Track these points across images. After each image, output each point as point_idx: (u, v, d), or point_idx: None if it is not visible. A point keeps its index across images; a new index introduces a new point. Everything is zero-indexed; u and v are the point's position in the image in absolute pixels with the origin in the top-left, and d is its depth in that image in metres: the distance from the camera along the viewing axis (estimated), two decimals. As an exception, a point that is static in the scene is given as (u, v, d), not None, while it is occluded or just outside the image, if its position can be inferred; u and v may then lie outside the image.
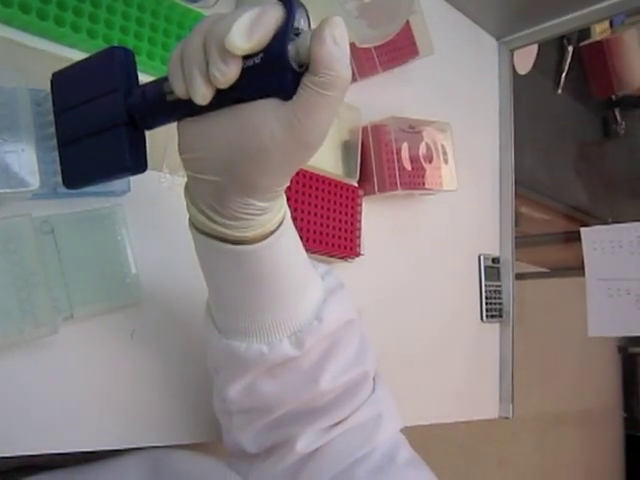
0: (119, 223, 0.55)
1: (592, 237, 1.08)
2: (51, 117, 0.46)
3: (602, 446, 3.43)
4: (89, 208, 0.54)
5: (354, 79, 0.80)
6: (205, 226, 0.41)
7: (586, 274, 1.09)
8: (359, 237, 0.75)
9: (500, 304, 1.09)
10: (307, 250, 0.68)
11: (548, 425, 2.86)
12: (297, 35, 0.34)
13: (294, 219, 0.62)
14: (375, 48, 0.77)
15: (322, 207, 0.69)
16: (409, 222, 0.91)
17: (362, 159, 0.79)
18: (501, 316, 1.09)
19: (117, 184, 0.55)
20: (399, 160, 0.81)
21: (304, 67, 0.34)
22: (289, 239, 0.44)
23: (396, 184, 0.80)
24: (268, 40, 0.33)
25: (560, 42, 1.64)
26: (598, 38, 1.76)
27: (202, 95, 0.34)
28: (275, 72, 0.34)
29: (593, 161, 1.84)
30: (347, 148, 0.78)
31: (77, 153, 0.44)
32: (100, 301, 0.54)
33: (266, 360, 0.45)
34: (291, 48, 0.33)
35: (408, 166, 0.82)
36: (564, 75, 1.63)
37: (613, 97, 1.88)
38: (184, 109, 0.38)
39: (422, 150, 0.85)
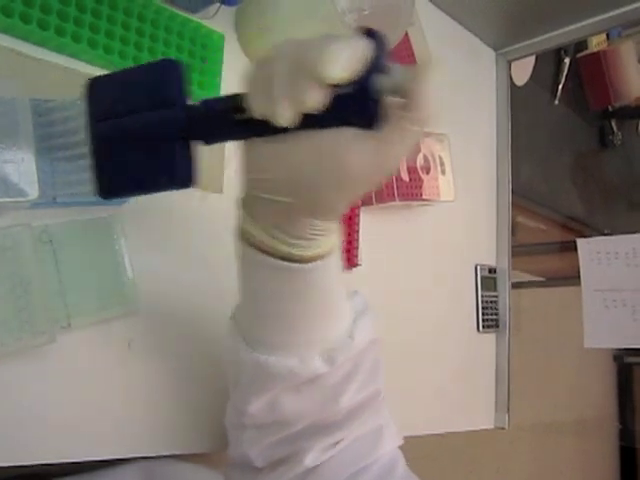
0: (117, 232, 0.55)
1: (588, 248, 1.09)
2: (53, 128, 0.46)
3: (597, 457, 3.42)
4: (87, 217, 0.54)
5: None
6: (264, 244, 0.41)
7: (582, 285, 1.09)
8: (357, 247, 0.75)
9: (496, 314, 1.09)
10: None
11: (544, 435, 2.86)
12: (386, 68, 0.35)
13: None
14: (374, 59, 0.78)
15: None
16: (407, 232, 0.91)
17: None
18: (497, 326, 1.09)
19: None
20: (397, 171, 0.81)
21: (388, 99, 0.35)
22: (337, 260, 0.45)
23: (394, 195, 0.80)
24: (361, 72, 0.34)
25: (557, 54, 1.65)
26: (595, 50, 1.78)
27: (287, 119, 0.34)
28: (364, 103, 0.35)
29: (590, 171, 1.85)
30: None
31: (117, 163, 0.42)
32: (98, 310, 0.54)
33: (295, 375, 0.45)
34: (382, 81, 0.34)
35: (406, 177, 0.83)
36: (561, 86, 1.64)
37: (610, 108, 1.89)
38: (255, 129, 0.38)
39: (420, 161, 0.85)
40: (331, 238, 0.42)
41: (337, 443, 0.48)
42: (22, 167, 0.47)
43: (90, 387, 0.54)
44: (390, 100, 0.35)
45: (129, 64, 0.57)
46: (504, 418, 1.07)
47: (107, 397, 0.55)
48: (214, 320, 0.64)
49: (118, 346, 0.56)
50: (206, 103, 0.40)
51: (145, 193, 0.45)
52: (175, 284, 0.61)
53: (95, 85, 0.44)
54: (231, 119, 0.39)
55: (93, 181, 0.44)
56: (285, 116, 0.34)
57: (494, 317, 1.08)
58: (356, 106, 0.35)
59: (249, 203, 0.42)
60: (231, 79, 0.67)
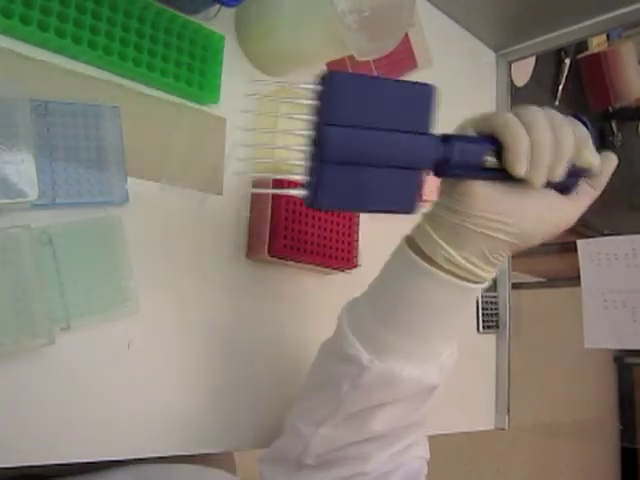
0: (117, 233, 0.55)
1: (588, 249, 1.09)
2: (52, 129, 0.46)
3: (598, 458, 3.42)
4: (87, 218, 0.54)
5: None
6: (460, 266, 0.46)
7: (582, 286, 1.09)
8: (357, 248, 0.75)
9: (496, 315, 1.09)
10: (305, 262, 0.69)
11: (544, 436, 2.86)
12: None
13: (291, 230, 0.63)
14: (374, 61, 0.78)
15: (319, 219, 0.69)
16: (406, 232, 0.90)
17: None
18: (497, 327, 1.09)
19: (116, 194, 0.55)
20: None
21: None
22: None
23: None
24: None
25: (557, 54, 1.65)
26: (595, 51, 1.77)
27: (541, 183, 0.43)
28: (574, 177, 0.45)
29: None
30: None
31: (346, 175, 0.41)
32: (97, 311, 0.54)
33: (417, 386, 0.50)
34: None
35: (406, 178, 0.82)
36: (561, 87, 1.64)
37: (610, 109, 1.89)
38: (496, 176, 0.43)
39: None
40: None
41: (400, 454, 0.53)
42: (22, 168, 0.47)
43: (89, 388, 0.54)
44: (584, 180, 0.47)
45: (129, 65, 0.57)
46: (504, 419, 1.07)
47: (107, 398, 0.55)
48: (214, 319, 0.64)
49: (118, 347, 0.56)
50: (461, 145, 0.43)
51: (364, 211, 0.45)
52: (175, 284, 0.61)
53: (336, 83, 0.40)
54: (481, 165, 0.43)
55: (307, 188, 0.41)
56: (541, 181, 0.43)
57: (494, 318, 1.08)
58: (569, 179, 0.44)
59: (454, 232, 0.45)
60: (231, 80, 0.67)
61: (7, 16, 0.49)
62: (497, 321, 1.09)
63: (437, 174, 0.44)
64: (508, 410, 1.07)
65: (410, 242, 0.49)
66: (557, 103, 1.63)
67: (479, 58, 1.15)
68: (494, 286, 1.09)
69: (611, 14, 1.01)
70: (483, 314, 1.06)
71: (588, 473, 3.30)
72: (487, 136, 0.43)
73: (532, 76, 1.49)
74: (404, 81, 0.41)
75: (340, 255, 0.71)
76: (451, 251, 0.45)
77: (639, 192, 2.05)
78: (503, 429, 1.07)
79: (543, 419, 2.73)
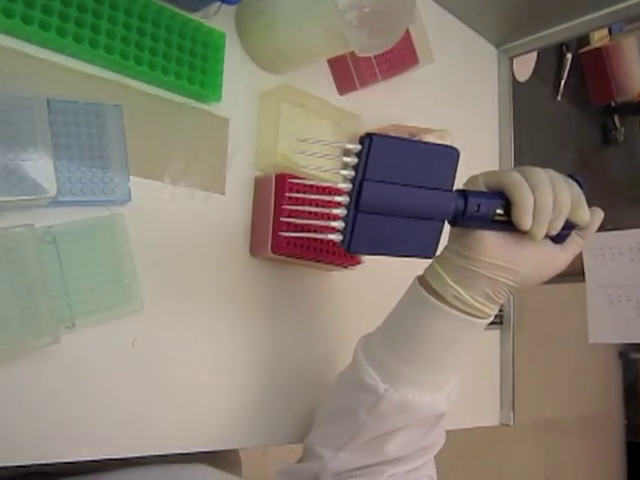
0: (120, 232, 0.55)
1: (592, 244, 1.08)
2: (55, 128, 0.46)
3: (603, 453, 3.41)
4: (90, 217, 0.54)
5: (354, 87, 0.80)
6: (465, 303, 0.52)
7: (586, 281, 1.08)
8: (360, 245, 0.75)
9: (500, 311, 1.08)
10: (309, 259, 0.69)
11: (549, 432, 2.85)
12: None
13: (294, 226, 0.63)
14: (375, 57, 0.77)
15: (322, 215, 0.69)
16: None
17: (362, 167, 0.79)
18: (501, 323, 1.09)
19: (118, 193, 0.55)
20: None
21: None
22: None
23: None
24: None
25: (559, 49, 1.64)
26: (597, 45, 1.77)
27: (542, 236, 0.49)
28: (567, 229, 0.51)
29: (592, 167, 1.85)
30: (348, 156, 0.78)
31: (377, 224, 0.47)
32: (101, 310, 0.54)
33: (429, 412, 0.56)
34: None
35: (408, 174, 0.82)
36: (563, 82, 1.64)
37: (612, 104, 1.88)
38: (503, 228, 0.50)
39: (422, 158, 0.85)
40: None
41: (411, 470, 0.59)
42: (40, 165, 0.48)
43: (94, 387, 0.54)
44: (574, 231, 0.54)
45: (131, 63, 0.57)
46: (509, 415, 1.07)
47: (112, 396, 0.55)
48: (218, 317, 0.64)
49: (122, 345, 0.56)
50: (477, 200, 0.49)
51: (390, 255, 0.49)
52: (178, 282, 0.61)
53: (379, 144, 0.46)
54: (491, 218, 0.49)
55: (343, 233, 0.47)
56: (541, 235, 0.49)
57: (498, 313, 1.08)
58: (563, 232, 0.51)
59: (462, 273, 0.52)
60: (233, 78, 0.67)
61: (9, 16, 0.49)
62: (501, 317, 1.09)
63: (452, 224, 0.51)
64: (513, 406, 1.07)
65: (422, 281, 0.55)
66: (559, 98, 1.63)
67: (480, 54, 1.14)
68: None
69: (612, 8, 1.01)
70: (487, 310, 1.05)
71: (593, 468, 3.29)
72: (497, 192, 0.50)
73: (534, 71, 1.49)
74: (433, 143, 0.49)
75: (343, 252, 0.71)
76: (460, 290, 0.52)
77: (642, 186, 2.05)
78: (508, 425, 1.07)
79: (548, 415, 2.73)
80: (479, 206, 0.49)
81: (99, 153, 0.54)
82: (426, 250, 0.50)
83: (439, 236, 0.50)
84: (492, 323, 1.05)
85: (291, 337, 0.72)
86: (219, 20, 0.65)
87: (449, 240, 0.54)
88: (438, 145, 0.48)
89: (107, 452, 0.55)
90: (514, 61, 1.19)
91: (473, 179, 0.52)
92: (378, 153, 0.46)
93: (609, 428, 3.47)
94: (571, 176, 0.53)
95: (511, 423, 1.07)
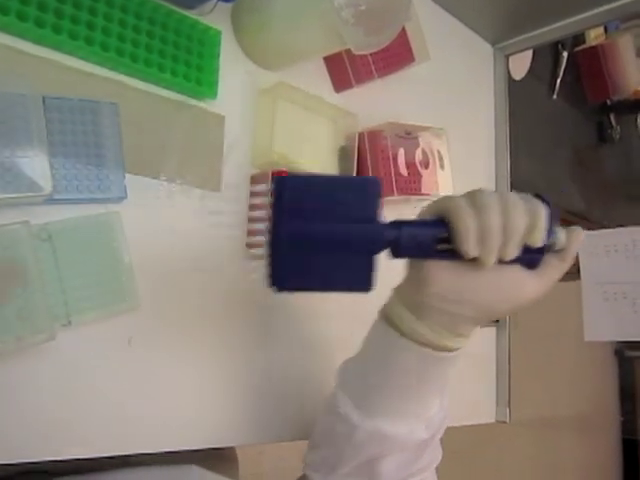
0: (116, 229, 0.55)
1: (588, 241, 1.08)
2: (50, 125, 0.46)
3: (599, 450, 3.42)
4: (86, 214, 0.54)
5: (350, 85, 0.80)
6: (425, 337, 0.49)
7: (582, 278, 1.09)
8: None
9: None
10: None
11: (545, 429, 2.86)
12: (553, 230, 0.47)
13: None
14: (371, 54, 0.77)
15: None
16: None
17: (358, 165, 0.79)
18: (497, 321, 1.09)
19: (114, 190, 0.55)
20: (395, 166, 0.81)
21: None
22: None
23: (392, 190, 0.80)
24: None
25: (555, 47, 1.64)
26: (593, 43, 1.77)
27: (492, 263, 0.45)
28: (537, 253, 0.47)
29: (589, 166, 1.85)
30: (343, 154, 0.78)
31: (302, 260, 0.46)
32: (97, 307, 0.54)
33: (405, 440, 0.54)
34: (550, 241, 0.47)
35: (404, 172, 0.83)
36: (559, 80, 1.64)
37: (608, 102, 1.88)
38: (450, 257, 0.46)
39: (418, 156, 0.85)
40: (471, 334, 0.51)
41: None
42: (35, 162, 0.48)
43: (90, 384, 0.54)
44: (551, 254, 0.49)
45: (126, 61, 0.57)
46: (505, 412, 1.07)
47: (108, 394, 0.55)
48: (214, 316, 0.65)
49: (118, 343, 0.56)
50: (412, 230, 0.46)
51: (324, 292, 0.49)
52: (174, 279, 0.61)
53: (291, 182, 0.45)
54: (433, 247, 0.46)
55: (268, 272, 0.46)
56: (492, 262, 0.45)
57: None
58: (531, 254, 0.47)
59: (417, 305, 0.49)
60: (229, 75, 0.67)
61: (4, 13, 0.49)
62: (497, 315, 1.09)
63: (394, 256, 0.47)
64: (509, 403, 1.07)
65: (383, 313, 0.53)
66: (555, 96, 1.63)
67: (476, 52, 1.15)
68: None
69: (608, 6, 1.01)
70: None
71: (589, 465, 3.30)
72: (440, 219, 0.46)
73: (530, 69, 1.49)
74: (351, 176, 0.47)
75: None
76: (415, 322, 0.49)
77: (638, 184, 2.05)
78: (504, 422, 1.07)
79: (544, 412, 2.73)
80: (415, 236, 0.46)
81: (95, 151, 0.54)
82: (362, 284, 0.47)
83: (373, 269, 0.47)
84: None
85: (287, 335, 0.72)
86: (215, 17, 0.65)
87: (406, 270, 0.51)
88: (356, 177, 0.47)
89: (101, 450, 0.55)
90: (510, 59, 1.20)
91: (424, 207, 0.50)
92: (292, 193, 0.45)
93: (605, 425, 3.48)
94: (538, 196, 0.48)
95: (507, 420, 1.07)
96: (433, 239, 0.46)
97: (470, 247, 0.44)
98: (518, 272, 0.48)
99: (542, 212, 0.46)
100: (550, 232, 0.47)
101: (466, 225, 0.44)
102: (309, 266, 0.46)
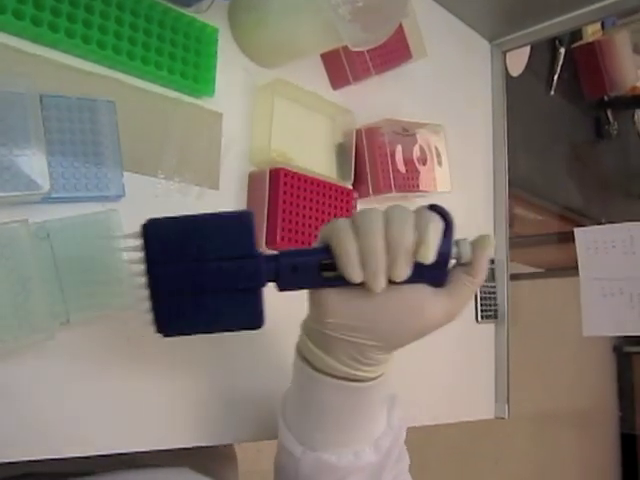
0: (114, 228, 0.55)
1: (586, 237, 1.09)
2: (48, 123, 0.46)
3: (598, 445, 3.44)
4: (84, 213, 0.54)
5: (347, 82, 0.80)
6: (336, 369, 0.47)
7: (580, 274, 1.09)
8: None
9: (495, 305, 1.09)
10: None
11: (544, 425, 2.87)
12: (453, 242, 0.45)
13: (289, 222, 0.63)
14: (368, 51, 0.77)
15: (317, 210, 0.70)
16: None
17: (356, 162, 0.79)
18: (496, 317, 1.09)
19: (112, 189, 0.55)
20: (393, 162, 0.81)
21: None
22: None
23: (390, 186, 0.80)
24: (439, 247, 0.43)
25: (552, 44, 1.65)
26: (590, 40, 1.77)
27: (382, 286, 0.42)
28: (437, 269, 0.44)
29: (586, 162, 1.85)
30: (341, 151, 0.79)
31: (184, 304, 0.44)
32: (96, 306, 0.54)
33: (353, 466, 0.51)
34: (452, 253, 0.44)
35: (402, 168, 0.83)
36: (556, 76, 1.64)
37: (605, 98, 1.89)
38: (338, 283, 0.44)
39: (416, 152, 0.86)
40: (390, 360, 0.49)
41: None
42: (33, 160, 0.48)
43: (89, 383, 0.54)
44: (457, 267, 0.46)
45: (124, 59, 0.57)
46: (504, 408, 1.07)
47: (106, 392, 0.55)
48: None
49: (117, 341, 0.56)
50: (292, 259, 0.44)
51: (212, 332, 0.46)
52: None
53: (154, 227, 0.43)
54: (318, 275, 0.44)
55: (152, 317, 0.44)
56: (381, 285, 0.42)
57: (493, 307, 1.08)
58: (431, 271, 0.44)
59: (320, 337, 0.47)
60: (225, 73, 0.67)
61: (1, 11, 0.49)
62: (496, 311, 1.09)
63: (278, 289, 0.45)
64: (508, 399, 1.08)
65: (297, 348, 0.51)
66: (552, 92, 1.63)
67: (474, 48, 1.15)
68: (492, 276, 1.09)
69: (605, 2, 1.01)
70: (482, 304, 1.06)
71: (588, 460, 3.32)
72: (326, 245, 0.44)
73: (527, 66, 1.49)
74: (221, 212, 0.44)
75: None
76: (322, 355, 0.47)
77: (635, 180, 2.06)
78: (503, 418, 1.08)
79: (543, 408, 2.74)
80: (297, 266, 0.44)
81: (92, 149, 0.54)
82: (251, 321, 0.45)
83: (260, 305, 0.45)
84: (487, 317, 1.07)
85: (284, 334, 0.72)
86: (212, 15, 0.65)
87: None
88: (226, 213, 0.44)
89: (101, 448, 0.55)
90: (507, 56, 1.20)
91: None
92: (158, 237, 0.43)
93: (604, 420, 3.49)
94: (434, 207, 0.45)
95: (506, 416, 1.07)
96: (316, 267, 0.44)
97: (353, 271, 0.42)
98: (421, 292, 0.45)
99: (430, 225, 0.42)
100: (447, 245, 0.44)
101: (345, 248, 0.42)
102: (193, 308, 0.44)
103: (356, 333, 0.44)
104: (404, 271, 0.42)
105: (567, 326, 1.79)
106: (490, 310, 1.08)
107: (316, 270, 0.44)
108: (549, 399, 2.81)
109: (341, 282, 0.43)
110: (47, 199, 0.50)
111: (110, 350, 0.56)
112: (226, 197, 0.67)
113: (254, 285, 0.44)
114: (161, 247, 0.43)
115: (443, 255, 0.43)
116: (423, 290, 0.45)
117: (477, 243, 0.45)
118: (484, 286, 1.07)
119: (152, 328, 0.45)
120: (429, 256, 0.41)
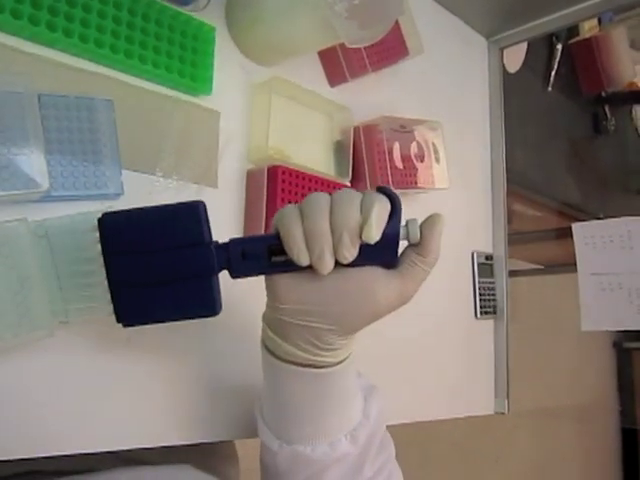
0: (113, 226, 0.55)
1: (583, 232, 1.09)
2: (46, 122, 0.46)
3: (598, 440, 3.44)
4: (83, 211, 0.54)
5: (344, 79, 0.80)
6: (296, 356, 0.47)
7: (578, 269, 1.09)
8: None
9: (494, 300, 1.09)
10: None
11: (544, 420, 2.87)
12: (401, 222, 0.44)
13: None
14: (365, 48, 0.78)
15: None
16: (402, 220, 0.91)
17: (354, 159, 0.79)
18: (495, 312, 1.10)
19: (111, 187, 0.55)
20: (391, 159, 0.81)
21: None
22: (353, 358, 0.50)
23: (388, 183, 0.80)
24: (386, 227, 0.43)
25: (549, 40, 1.65)
26: (587, 35, 1.78)
27: (329, 268, 0.42)
28: (387, 250, 0.44)
29: (584, 157, 1.85)
30: (339, 148, 0.79)
31: (142, 294, 0.46)
32: (95, 305, 0.54)
33: (327, 458, 0.50)
34: (401, 232, 0.44)
35: (400, 165, 0.83)
36: (554, 73, 1.64)
37: (603, 94, 1.89)
38: (289, 268, 0.44)
39: (414, 149, 0.86)
40: (350, 344, 0.49)
41: None
42: (32, 159, 0.48)
43: (89, 381, 0.54)
44: (408, 248, 0.46)
45: (121, 57, 0.57)
46: (504, 403, 1.08)
47: (106, 391, 0.55)
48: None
49: (117, 341, 0.57)
50: (240, 245, 0.45)
51: (171, 321, 0.48)
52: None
53: (111, 219, 0.45)
54: (268, 261, 0.45)
55: (112, 307, 0.46)
56: (329, 267, 0.42)
57: (492, 303, 1.09)
58: (380, 252, 0.44)
59: (277, 325, 0.47)
60: (223, 71, 0.67)
61: (-2, 11, 0.49)
62: (495, 307, 1.09)
63: (231, 276, 0.46)
64: (507, 395, 1.08)
65: (262, 339, 0.51)
66: (550, 88, 1.63)
67: (471, 45, 1.15)
68: (491, 272, 1.10)
69: (601, -3, 1.02)
70: (481, 300, 1.06)
71: (589, 455, 3.32)
72: (276, 231, 0.45)
73: (524, 62, 1.49)
74: (173, 204, 0.45)
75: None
76: (280, 342, 0.47)
77: (633, 175, 2.06)
78: (503, 414, 1.08)
79: (543, 404, 2.75)
80: (247, 252, 0.45)
81: (91, 147, 0.54)
82: (207, 308, 0.46)
83: (215, 292, 0.46)
84: (486, 313, 1.07)
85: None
86: (209, 13, 0.65)
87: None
88: (178, 204, 0.45)
89: (101, 445, 0.55)
90: (504, 52, 1.20)
91: None
92: (112, 230, 0.45)
93: (604, 415, 3.50)
94: (382, 190, 0.45)
95: (506, 411, 1.08)
96: (264, 252, 0.45)
97: (300, 253, 0.42)
98: (372, 274, 0.45)
99: (374, 205, 0.42)
100: (394, 225, 0.44)
101: (291, 231, 0.42)
102: (150, 298, 0.46)
103: (310, 317, 0.45)
104: (350, 252, 0.42)
105: (566, 322, 1.80)
106: (489, 306, 1.08)
107: (265, 255, 0.45)
108: (549, 394, 2.81)
109: (292, 267, 0.44)
110: (46, 197, 0.51)
111: (110, 349, 0.56)
112: (224, 195, 0.67)
113: (206, 272, 0.45)
114: (117, 239, 0.45)
115: (390, 235, 0.44)
116: (374, 272, 0.45)
117: (427, 223, 0.46)
118: (483, 282, 1.07)
119: (114, 318, 0.47)
120: (373, 235, 0.41)
